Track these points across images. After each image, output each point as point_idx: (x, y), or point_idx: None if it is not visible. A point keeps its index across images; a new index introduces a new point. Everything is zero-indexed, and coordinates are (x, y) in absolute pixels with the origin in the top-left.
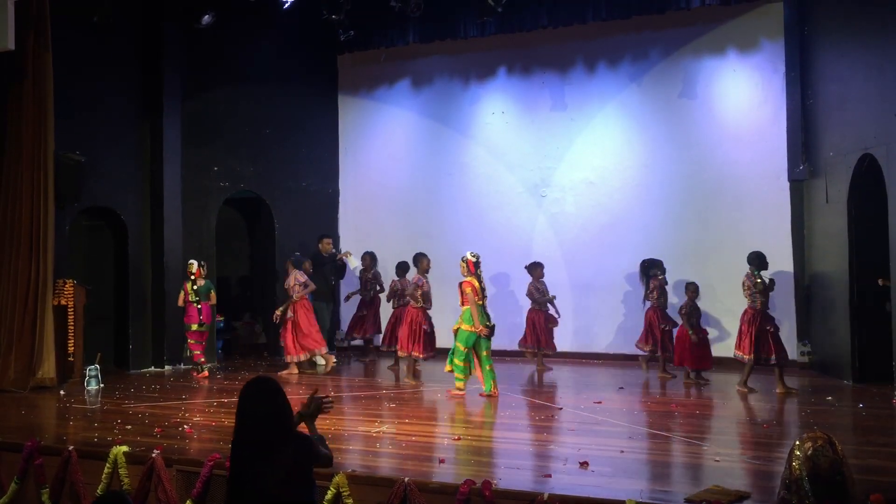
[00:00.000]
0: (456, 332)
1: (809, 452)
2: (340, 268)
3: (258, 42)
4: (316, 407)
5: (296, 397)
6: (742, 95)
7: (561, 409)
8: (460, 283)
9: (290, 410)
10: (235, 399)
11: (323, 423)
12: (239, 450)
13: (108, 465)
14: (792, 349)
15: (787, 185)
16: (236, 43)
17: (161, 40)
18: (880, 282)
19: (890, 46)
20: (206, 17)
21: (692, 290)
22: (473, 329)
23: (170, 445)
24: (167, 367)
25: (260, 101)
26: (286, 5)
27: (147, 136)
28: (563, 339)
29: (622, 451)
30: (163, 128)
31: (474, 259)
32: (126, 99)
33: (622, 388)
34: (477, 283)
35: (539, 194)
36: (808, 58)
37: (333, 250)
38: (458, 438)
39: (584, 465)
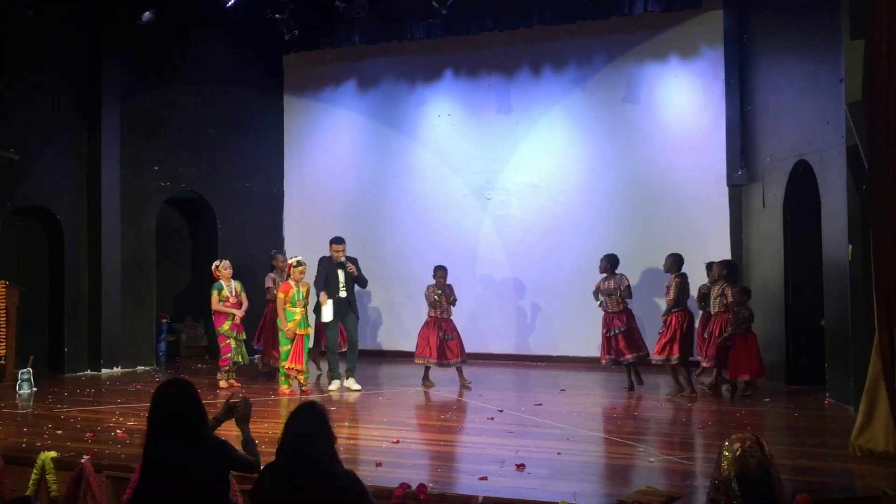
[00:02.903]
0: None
1: (738, 453)
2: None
3: (202, 41)
4: (237, 411)
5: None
6: (683, 101)
7: (501, 411)
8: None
9: (203, 414)
10: None
11: (259, 427)
12: (150, 455)
13: (35, 471)
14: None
15: (726, 189)
16: (179, 41)
17: (100, 37)
18: (822, 323)
19: (823, 56)
20: (147, 14)
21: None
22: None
23: (101, 451)
24: (104, 371)
25: (203, 100)
26: (229, 4)
27: (85, 135)
28: (506, 342)
29: (559, 453)
30: (101, 126)
31: (293, 262)
32: (63, 96)
33: (563, 389)
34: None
35: (484, 197)
36: (747, 65)
37: (344, 258)
38: (397, 441)
39: (520, 467)
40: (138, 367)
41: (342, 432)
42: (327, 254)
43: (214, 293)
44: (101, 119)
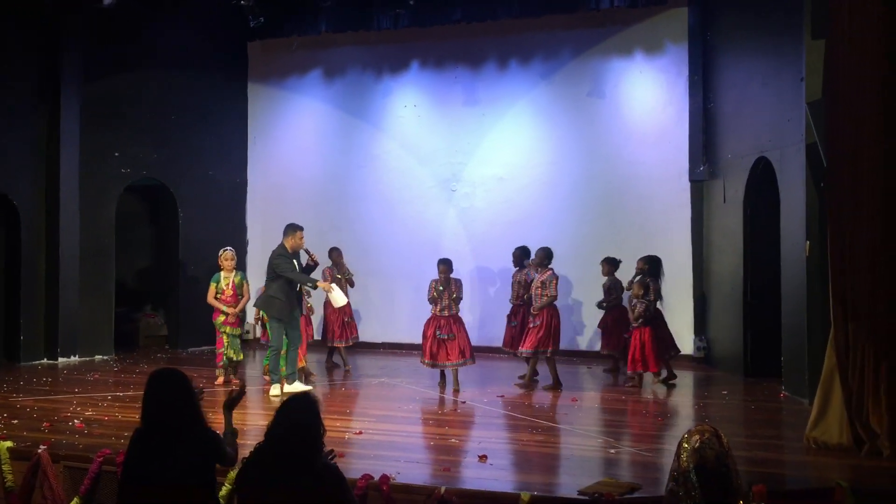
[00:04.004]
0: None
1: (696, 445)
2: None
3: (165, 26)
4: (227, 401)
5: None
6: (648, 97)
7: (464, 402)
8: None
9: (195, 404)
10: (131, 393)
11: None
12: (141, 439)
13: None
14: (688, 344)
15: (688, 185)
16: (142, 26)
17: (60, 21)
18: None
19: (785, 54)
20: None
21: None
22: None
23: (58, 441)
24: (61, 360)
25: (166, 86)
26: None
27: (44, 120)
28: (470, 333)
29: (521, 445)
30: (60, 111)
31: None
32: (22, 80)
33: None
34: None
35: (449, 189)
36: (710, 62)
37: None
38: (360, 433)
39: (482, 458)
40: (96, 357)
41: None
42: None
43: (212, 285)
44: (60, 104)
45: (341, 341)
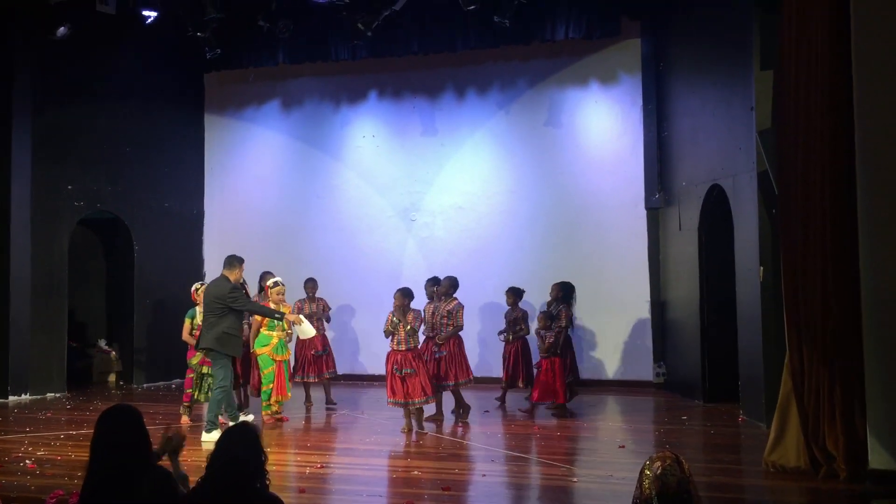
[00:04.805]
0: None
1: (658, 472)
2: None
3: (120, 57)
4: (173, 444)
5: None
6: (603, 126)
7: (425, 433)
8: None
9: (148, 442)
10: (85, 431)
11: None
12: (92, 481)
13: None
14: (647, 370)
15: (644, 212)
16: (96, 57)
17: (9, 51)
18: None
19: (735, 84)
20: (62, 28)
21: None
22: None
23: (9, 482)
24: (11, 398)
25: (120, 117)
26: (149, 20)
27: None
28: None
29: (484, 475)
30: (11, 142)
31: (270, 284)
32: None
33: (487, 411)
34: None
35: (409, 218)
36: (664, 92)
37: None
38: (321, 466)
39: (445, 489)
40: (48, 394)
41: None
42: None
43: (187, 321)
44: (10, 135)
45: (311, 376)
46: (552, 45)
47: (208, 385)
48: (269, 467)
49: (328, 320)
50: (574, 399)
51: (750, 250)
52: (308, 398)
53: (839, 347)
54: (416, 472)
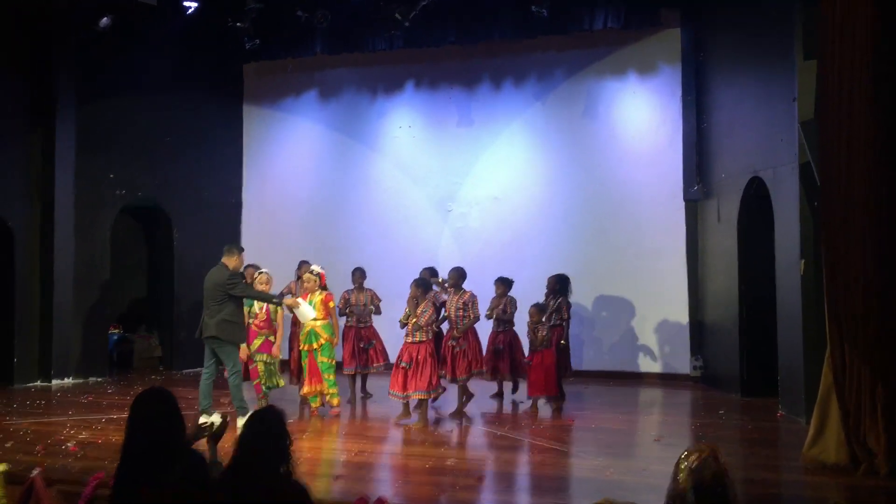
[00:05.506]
0: (321, 346)
1: (694, 465)
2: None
3: (160, 48)
4: (214, 430)
5: None
6: (641, 117)
7: (460, 423)
8: (324, 296)
9: (183, 425)
10: (125, 415)
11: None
12: (127, 463)
13: None
14: (685, 363)
15: (682, 204)
16: (137, 49)
17: (54, 44)
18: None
19: (775, 76)
20: (105, 19)
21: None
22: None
23: (52, 464)
24: (55, 382)
25: (161, 108)
26: (189, 11)
27: (38, 142)
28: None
29: (518, 466)
30: (55, 133)
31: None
32: (16, 103)
33: (521, 402)
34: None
35: (445, 209)
36: (703, 83)
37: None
38: (357, 454)
39: (479, 479)
40: (90, 378)
41: (300, 444)
42: (284, 264)
43: (244, 309)
44: (55, 126)
45: (350, 368)
46: (590, 35)
47: (270, 372)
48: (303, 454)
49: (378, 312)
50: (595, 389)
51: (790, 244)
52: (362, 388)
53: (881, 343)
54: (450, 461)
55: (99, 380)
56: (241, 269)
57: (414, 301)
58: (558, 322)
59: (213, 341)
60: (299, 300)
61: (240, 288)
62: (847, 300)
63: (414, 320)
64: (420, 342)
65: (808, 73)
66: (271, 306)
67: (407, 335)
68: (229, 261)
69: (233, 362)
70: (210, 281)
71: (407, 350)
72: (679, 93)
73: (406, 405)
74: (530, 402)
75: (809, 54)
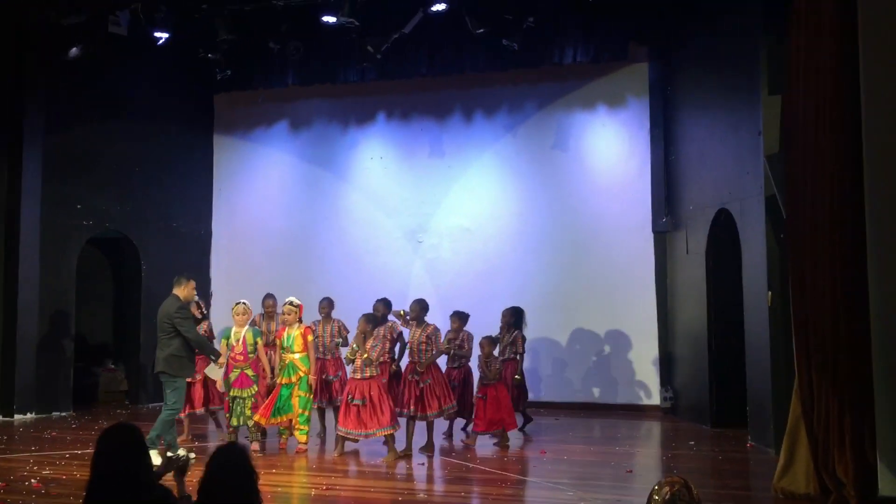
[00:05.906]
0: (300, 379)
1: (667, 497)
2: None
3: (131, 78)
4: (178, 464)
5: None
6: (611, 149)
7: (430, 456)
8: (303, 329)
9: (149, 461)
10: (90, 450)
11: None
12: (92, 500)
13: None
14: (655, 394)
15: (651, 236)
16: (107, 78)
17: (20, 72)
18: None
19: (741, 110)
20: (74, 49)
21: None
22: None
23: (14, 501)
24: (16, 417)
25: (130, 138)
26: (161, 41)
27: (4, 170)
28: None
29: (490, 499)
30: (22, 162)
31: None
32: None
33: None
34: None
35: (416, 240)
36: (671, 116)
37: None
38: (326, 488)
39: None
40: (53, 413)
41: (270, 479)
42: (253, 294)
43: (222, 342)
44: (21, 155)
45: (316, 402)
46: (560, 68)
47: (240, 408)
48: (271, 489)
49: (345, 343)
50: (566, 420)
51: (758, 275)
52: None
53: (849, 373)
54: (421, 496)
55: (63, 414)
56: (194, 299)
57: (362, 336)
58: (513, 355)
59: (162, 376)
60: (220, 370)
61: (185, 326)
62: (814, 331)
63: (365, 356)
64: (371, 377)
65: (772, 107)
66: (248, 336)
67: (355, 371)
68: (180, 291)
69: (174, 399)
70: (161, 312)
71: (357, 387)
72: (647, 125)
73: (343, 440)
74: (472, 436)
75: (774, 89)
